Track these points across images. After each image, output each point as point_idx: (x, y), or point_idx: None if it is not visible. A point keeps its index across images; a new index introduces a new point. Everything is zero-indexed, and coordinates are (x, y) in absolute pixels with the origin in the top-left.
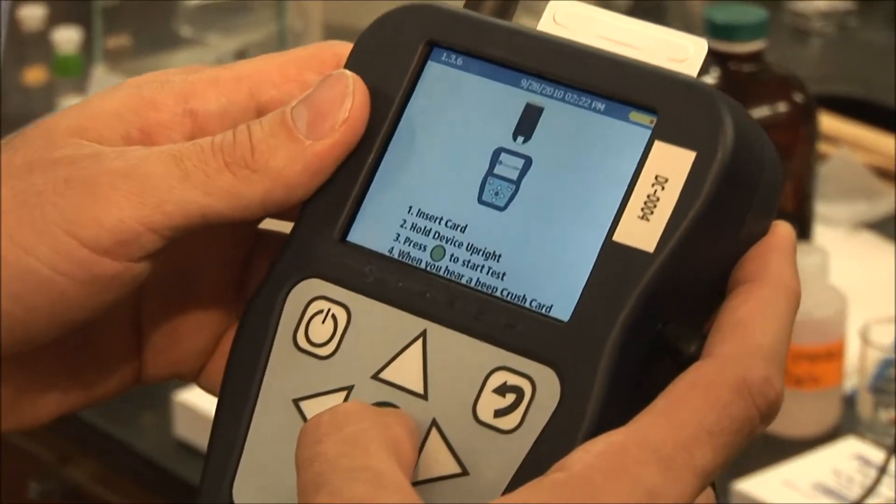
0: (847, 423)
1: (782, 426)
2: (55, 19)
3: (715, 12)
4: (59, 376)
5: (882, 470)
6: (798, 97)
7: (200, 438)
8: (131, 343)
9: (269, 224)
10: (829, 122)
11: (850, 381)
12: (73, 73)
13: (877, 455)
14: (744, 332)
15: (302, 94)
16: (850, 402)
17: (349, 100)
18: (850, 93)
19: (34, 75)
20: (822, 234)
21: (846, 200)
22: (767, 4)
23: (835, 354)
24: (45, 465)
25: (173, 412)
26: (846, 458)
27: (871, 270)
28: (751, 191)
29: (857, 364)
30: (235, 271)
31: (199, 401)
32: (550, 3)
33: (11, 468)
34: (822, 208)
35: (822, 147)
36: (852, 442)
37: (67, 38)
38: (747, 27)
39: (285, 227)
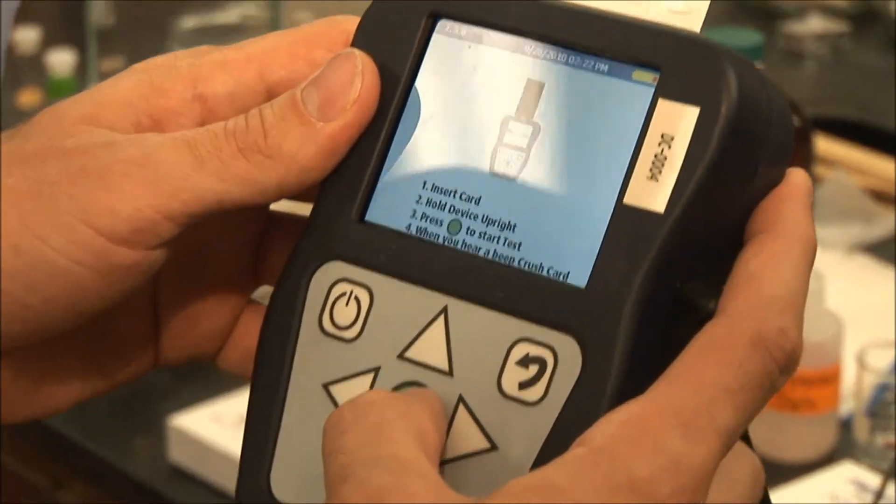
0: (843, 448)
1: (778, 451)
2: (49, 42)
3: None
4: (78, 364)
5: (878, 495)
6: (794, 120)
7: (195, 464)
8: (148, 327)
9: (281, 205)
10: (824, 145)
11: (847, 406)
12: (68, 96)
13: (873, 480)
14: (757, 286)
15: (311, 73)
16: (846, 426)
17: (359, 79)
18: (844, 115)
19: (28, 98)
20: (818, 257)
21: (842, 223)
22: (761, 27)
23: (831, 378)
24: (39, 489)
25: (168, 437)
26: (843, 483)
27: (868, 293)
28: (760, 143)
29: (853, 388)
30: (249, 252)
31: (193, 426)
32: None
33: (5, 493)
34: (817, 231)
35: (818, 170)
36: (849, 466)
37: (61, 60)
38: (743, 51)
39: (297, 206)
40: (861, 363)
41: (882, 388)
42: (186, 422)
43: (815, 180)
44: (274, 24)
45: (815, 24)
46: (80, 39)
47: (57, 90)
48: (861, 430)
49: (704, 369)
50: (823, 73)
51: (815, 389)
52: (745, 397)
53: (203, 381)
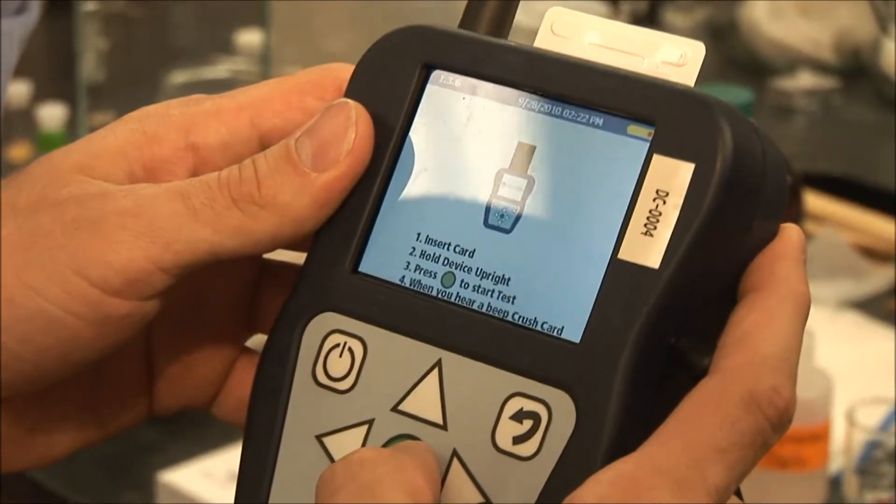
0: None
1: None
2: (40, 96)
3: None
4: (73, 413)
5: None
6: None
7: None
8: (142, 376)
9: (276, 253)
10: (814, 201)
11: (836, 463)
12: None
13: None
14: (751, 344)
15: (305, 121)
16: (835, 484)
17: (353, 130)
18: (834, 171)
19: (18, 152)
20: None
21: (831, 280)
22: (751, 83)
23: (820, 436)
24: None
25: (158, 493)
26: None
27: (857, 350)
28: (755, 198)
29: (842, 445)
30: (243, 300)
31: (184, 482)
32: (548, 12)
33: None
34: None
35: (808, 226)
36: None
37: (52, 115)
38: None
39: (291, 255)
40: (850, 420)
41: (871, 446)
42: (177, 478)
43: (805, 236)
44: (264, 80)
45: (804, 80)
46: (71, 94)
47: (47, 145)
48: (850, 488)
49: (696, 428)
50: (813, 129)
51: (804, 447)
52: (737, 456)
53: (193, 436)
